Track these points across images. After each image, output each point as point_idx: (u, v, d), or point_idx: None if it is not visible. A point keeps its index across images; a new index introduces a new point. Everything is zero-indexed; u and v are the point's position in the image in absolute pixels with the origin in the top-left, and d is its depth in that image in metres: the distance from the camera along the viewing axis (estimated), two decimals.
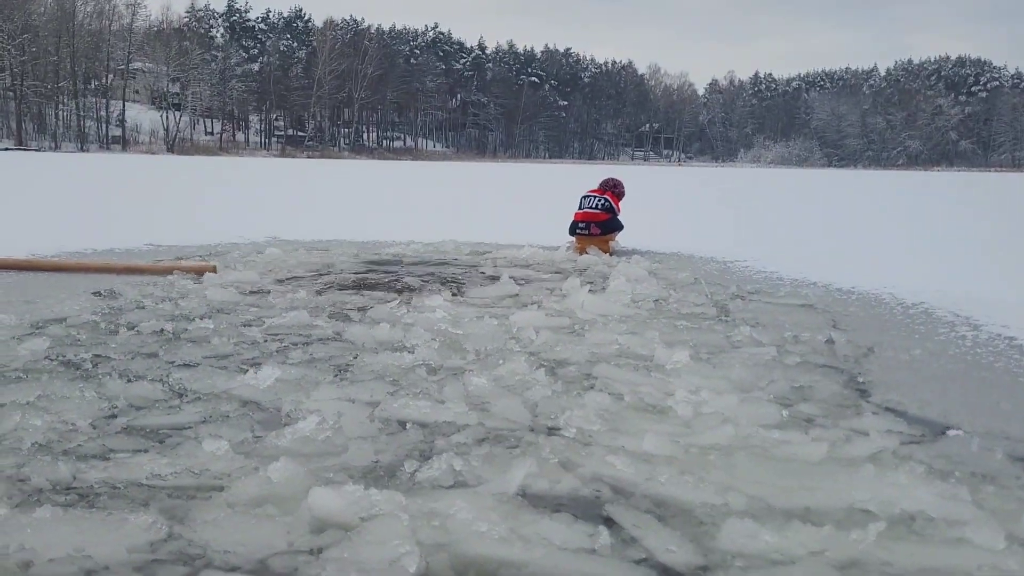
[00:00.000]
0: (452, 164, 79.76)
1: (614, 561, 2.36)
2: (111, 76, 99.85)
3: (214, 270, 7.57)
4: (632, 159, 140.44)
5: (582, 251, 9.74)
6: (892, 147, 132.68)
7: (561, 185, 28.52)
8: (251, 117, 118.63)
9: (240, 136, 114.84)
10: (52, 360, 4.35)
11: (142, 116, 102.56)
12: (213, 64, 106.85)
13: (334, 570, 2.21)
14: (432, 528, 2.48)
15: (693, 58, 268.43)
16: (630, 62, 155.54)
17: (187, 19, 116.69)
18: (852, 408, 3.78)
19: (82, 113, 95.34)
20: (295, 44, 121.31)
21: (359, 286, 7.23)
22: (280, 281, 7.32)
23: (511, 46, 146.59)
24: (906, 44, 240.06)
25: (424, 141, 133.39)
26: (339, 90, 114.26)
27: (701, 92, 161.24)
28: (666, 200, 22.76)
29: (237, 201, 18.90)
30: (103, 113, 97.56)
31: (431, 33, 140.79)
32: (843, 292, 7.12)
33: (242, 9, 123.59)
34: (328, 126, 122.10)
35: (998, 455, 3.19)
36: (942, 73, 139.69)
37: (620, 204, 10.45)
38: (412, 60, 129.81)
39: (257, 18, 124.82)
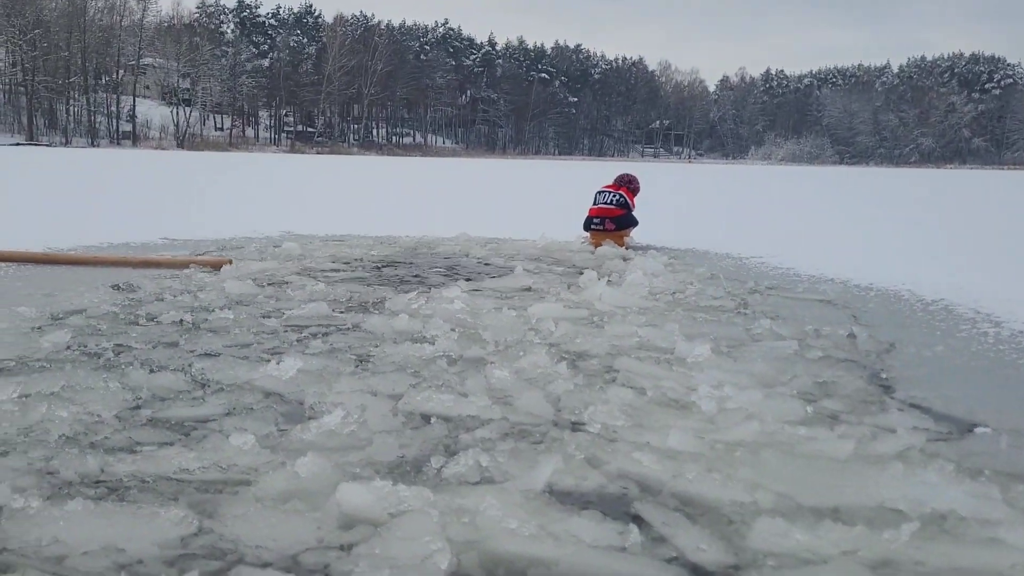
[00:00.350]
0: (462, 160, 79.75)
1: (645, 560, 2.34)
2: (122, 72, 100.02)
3: (230, 263, 7.57)
4: (642, 156, 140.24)
5: (597, 246, 9.72)
6: (904, 144, 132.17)
7: (572, 181, 28.49)
8: (261, 113, 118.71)
9: (250, 132, 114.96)
10: (74, 351, 4.36)
11: (152, 112, 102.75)
12: (223, 60, 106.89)
13: (367, 567, 2.20)
14: (462, 525, 2.47)
15: (704, 54, 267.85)
16: (640, 59, 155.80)
17: (197, 14, 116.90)
18: (876, 404, 3.76)
19: (92, 108, 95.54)
20: (305, 40, 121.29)
21: (376, 279, 7.22)
22: (297, 274, 7.31)
23: (521, 42, 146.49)
24: (919, 41, 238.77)
25: (433, 137, 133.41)
26: (349, 86, 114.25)
27: (712, 89, 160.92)
28: (679, 197, 22.71)
29: (250, 196, 18.93)
30: (113, 108, 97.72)
31: (441, 29, 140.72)
32: (861, 288, 7.09)
33: (252, 5, 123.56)
34: (338, 122, 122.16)
35: None
36: (955, 70, 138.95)
37: (635, 200, 10.43)
38: (422, 56, 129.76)
39: (267, 14, 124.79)
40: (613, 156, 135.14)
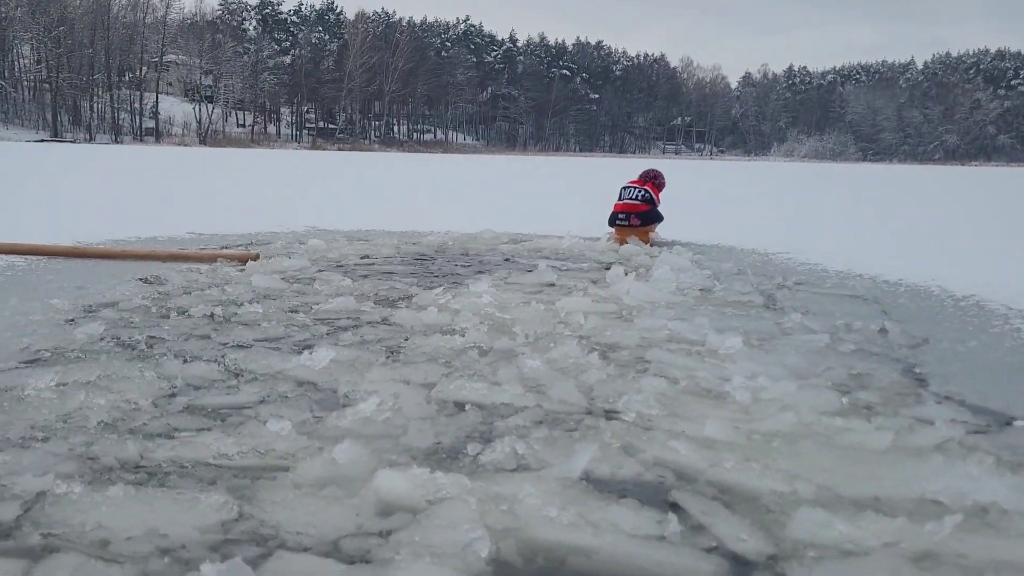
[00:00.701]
0: (483, 157, 79.77)
1: (685, 549, 2.33)
2: (145, 69, 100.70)
3: (256, 258, 7.60)
4: (663, 153, 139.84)
5: (622, 242, 9.69)
6: (929, 141, 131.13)
7: (596, 177, 28.45)
8: (282, 109, 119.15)
9: (271, 128, 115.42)
10: (108, 342, 4.39)
11: (175, 108, 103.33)
12: (245, 57, 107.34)
13: (407, 554, 2.20)
14: (500, 512, 2.46)
15: (726, 51, 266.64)
16: (662, 55, 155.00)
17: (220, 12, 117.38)
18: (912, 397, 3.73)
19: (116, 105, 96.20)
20: (327, 37, 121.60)
21: (402, 274, 7.23)
22: (324, 269, 7.33)
23: (542, 39, 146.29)
24: (944, 37, 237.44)
25: (454, 134, 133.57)
26: (370, 83, 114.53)
27: (734, 85, 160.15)
28: (703, 192, 22.63)
29: (274, 192, 18.99)
30: (137, 105, 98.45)
31: (462, 26, 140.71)
32: (891, 284, 7.04)
33: (274, 2, 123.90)
34: (359, 119, 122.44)
35: None
36: (981, 66, 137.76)
37: (660, 195, 10.39)
38: (443, 53, 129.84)
39: (289, 11, 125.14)
40: (634, 153, 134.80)
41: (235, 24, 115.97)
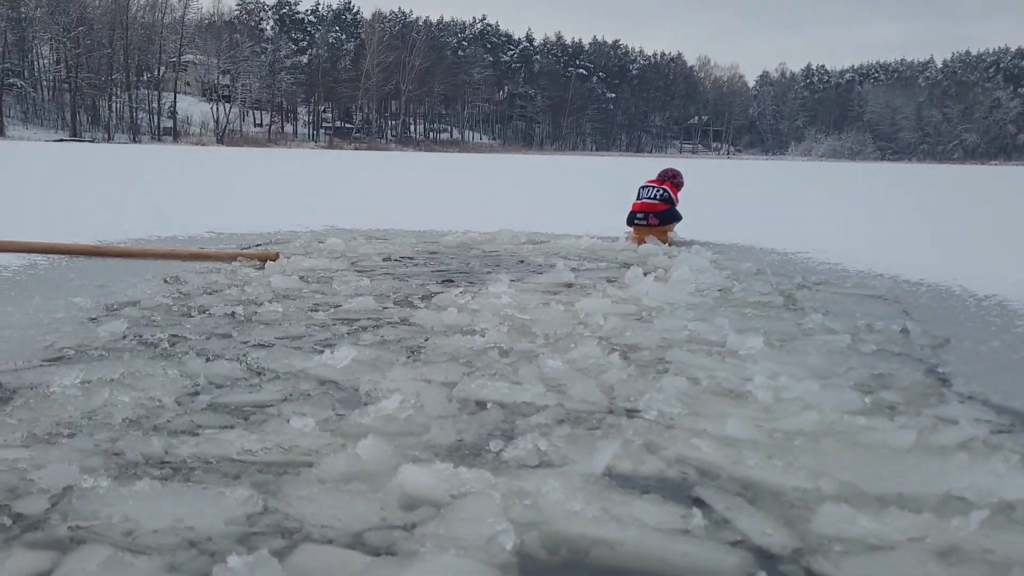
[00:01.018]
0: (500, 156, 79.79)
1: (709, 542, 2.34)
2: (163, 68, 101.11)
3: (276, 258, 7.63)
4: (680, 152, 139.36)
5: (640, 241, 9.68)
6: (948, 140, 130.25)
7: (614, 176, 28.42)
8: (299, 109, 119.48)
9: (288, 128, 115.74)
10: (131, 340, 4.42)
11: (193, 108, 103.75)
12: (263, 56, 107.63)
13: (432, 547, 2.22)
14: (524, 507, 2.48)
15: (744, 49, 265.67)
16: (679, 54, 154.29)
17: (237, 12, 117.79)
18: (935, 396, 3.72)
19: (134, 105, 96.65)
20: (343, 36, 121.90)
21: (421, 274, 7.25)
22: (343, 269, 7.36)
23: (559, 38, 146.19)
24: (964, 35, 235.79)
25: (471, 133, 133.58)
26: (387, 82, 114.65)
27: (752, 84, 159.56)
28: (722, 192, 22.58)
29: (292, 191, 19.05)
30: (155, 105, 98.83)
31: (479, 25, 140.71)
32: (912, 284, 7.01)
33: (292, 2, 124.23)
34: (375, 118, 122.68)
35: None
36: (1001, 65, 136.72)
37: (679, 195, 10.37)
38: (460, 52, 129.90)
39: (306, 10, 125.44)
40: (651, 152, 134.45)
41: (252, 24, 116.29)
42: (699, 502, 2.58)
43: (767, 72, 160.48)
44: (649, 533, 2.37)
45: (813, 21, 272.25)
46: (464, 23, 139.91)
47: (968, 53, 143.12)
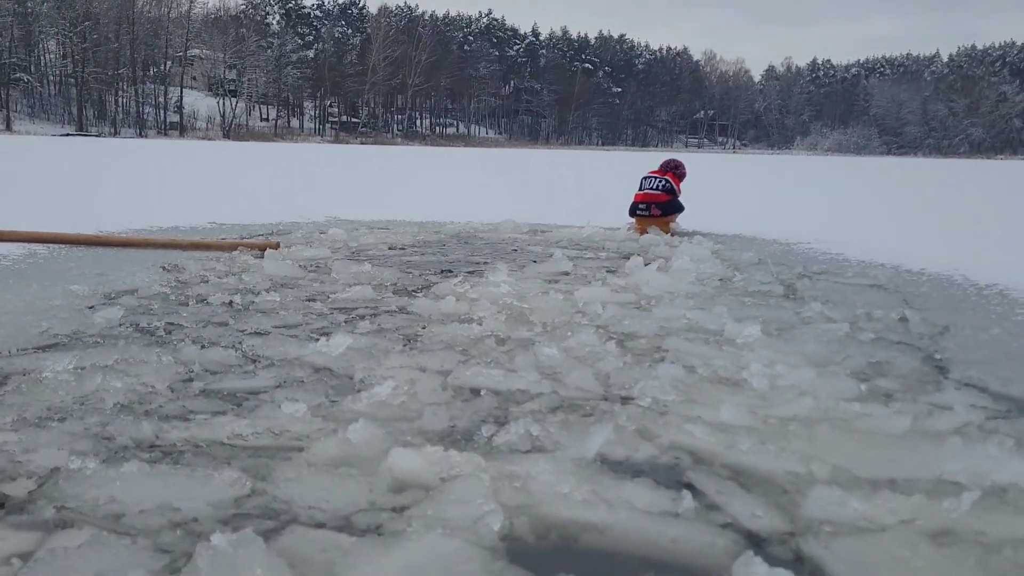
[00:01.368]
0: (506, 150, 79.73)
1: (699, 525, 2.32)
2: (169, 63, 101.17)
3: (277, 247, 7.63)
4: (686, 146, 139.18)
5: (642, 232, 9.66)
6: (954, 135, 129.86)
7: (618, 170, 28.37)
8: (305, 103, 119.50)
9: (295, 122, 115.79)
10: (127, 327, 4.42)
11: (199, 103, 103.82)
12: (269, 51, 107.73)
13: (419, 527, 2.20)
14: (513, 490, 2.46)
15: (750, 44, 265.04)
16: (685, 48, 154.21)
17: (243, 6, 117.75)
18: (932, 384, 3.70)
19: (141, 99, 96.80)
20: (350, 31, 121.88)
21: (421, 264, 7.24)
22: (343, 259, 7.35)
23: (565, 32, 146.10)
24: (970, 29, 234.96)
25: (477, 128, 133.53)
26: (393, 77, 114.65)
27: (757, 78, 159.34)
28: (725, 184, 22.53)
29: (296, 183, 19.06)
30: (161, 100, 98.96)
31: (485, 19, 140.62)
32: (912, 273, 6.98)
33: None
34: (382, 112, 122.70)
35: None
36: (1007, 59, 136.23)
37: (681, 186, 10.35)
38: (466, 47, 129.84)
39: (312, 5, 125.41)
40: (657, 146, 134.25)
41: (258, 18, 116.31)
42: (690, 486, 2.56)
43: (773, 66, 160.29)
44: (638, 516, 2.35)
45: (819, 16, 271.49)
46: (470, 17, 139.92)
47: (974, 47, 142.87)
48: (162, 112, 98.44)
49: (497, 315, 4.87)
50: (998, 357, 4.24)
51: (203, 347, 4.01)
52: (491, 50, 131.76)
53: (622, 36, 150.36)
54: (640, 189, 10.22)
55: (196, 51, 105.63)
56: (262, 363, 3.83)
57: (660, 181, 10.12)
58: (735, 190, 20.54)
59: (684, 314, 4.98)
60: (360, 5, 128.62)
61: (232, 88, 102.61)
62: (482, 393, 3.43)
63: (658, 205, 9.99)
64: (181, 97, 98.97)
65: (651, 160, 11.38)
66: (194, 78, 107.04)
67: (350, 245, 8.31)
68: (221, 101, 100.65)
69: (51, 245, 7.41)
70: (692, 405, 3.31)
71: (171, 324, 4.54)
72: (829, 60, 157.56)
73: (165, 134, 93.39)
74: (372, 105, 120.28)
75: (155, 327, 4.44)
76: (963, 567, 2.09)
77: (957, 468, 2.64)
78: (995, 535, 2.26)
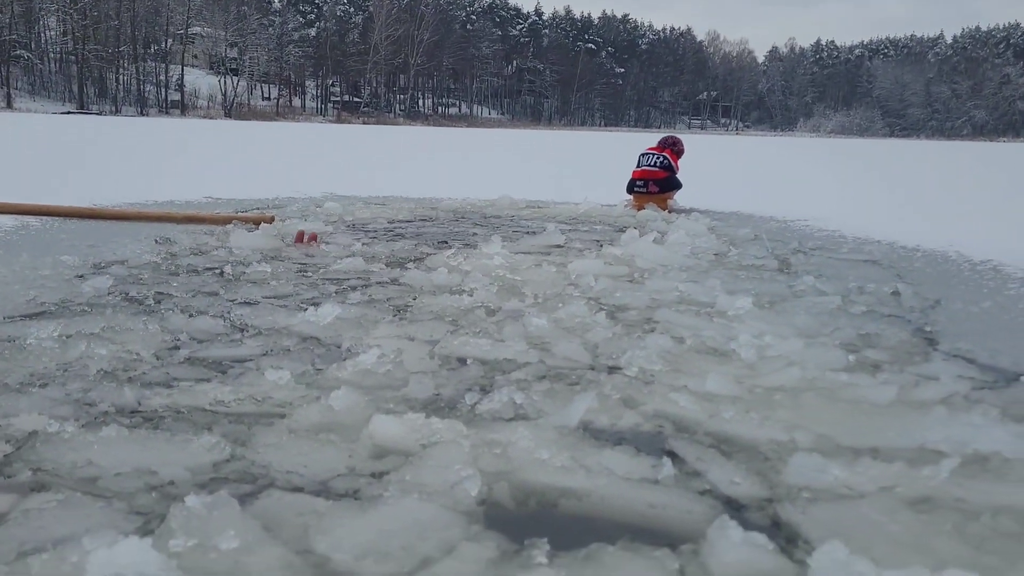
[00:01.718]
0: (507, 131, 79.51)
1: (678, 491, 2.31)
2: (170, 41, 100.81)
3: (271, 221, 7.60)
4: (689, 127, 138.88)
5: (639, 208, 9.62)
6: (957, 117, 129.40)
7: (618, 148, 28.28)
8: (307, 82, 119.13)
9: (296, 101, 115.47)
10: (115, 296, 4.40)
11: (200, 81, 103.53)
12: (271, 29, 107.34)
13: (396, 491, 2.19)
14: (493, 456, 2.45)
15: (753, 25, 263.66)
16: (688, 28, 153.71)
17: None
18: (920, 355, 3.68)
19: (142, 77, 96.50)
20: (352, 9, 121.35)
21: (416, 237, 7.22)
22: (337, 232, 7.33)
23: (568, 12, 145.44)
24: (974, 10, 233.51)
25: (479, 108, 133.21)
26: (395, 56, 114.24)
27: (761, 60, 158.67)
28: (725, 162, 22.46)
29: (294, 160, 19.02)
30: (162, 78, 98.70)
31: None
32: (907, 249, 6.96)
33: None
34: (384, 92, 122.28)
35: None
36: (1011, 41, 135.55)
37: (679, 162, 10.31)
38: (468, 26, 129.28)
39: None
40: (659, 127, 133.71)
41: None
42: (671, 454, 2.55)
43: (776, 48, 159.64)
44: (617, 482, 2.34)
45: None
46: None
47: (978, 29, 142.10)
48: (163, 90, 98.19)
49: (489, 287, 4.85)
50: (988, 329, 4.23)
51: (191, 316, 3.99)
52: (494, 30, 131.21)
53: (625, 16, 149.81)
54: (638, 166, 10.18)
55: (197, 29, 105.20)
56: (249, 332, 3.82)
57: (658, 158, 10.09)
58: (734, 169, 20.47)
59: (676, 286, 4.97)
60: None
61: (233, 66, 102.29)
62: (469, 362, 3.42)
63: (656, 182, 9.95)
64: (182, 75, 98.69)
65: (653, 141, 11.35)
66: (195, 56, 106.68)
67: (346, 219, 8.28)
68: (222, 79, 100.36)
69: (43, 218, 7.39)
70: (678, 375, 3.30)
71: (160, 293, 4.53)
72: (833, 41, 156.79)
73: (166, 112, 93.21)
74: (374, 85, 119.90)
75: (144, 296, 4.42)
76: (940, 532, 2.08)
77: (940, 437, 2.63)
78: (974, 502, 2.24)
